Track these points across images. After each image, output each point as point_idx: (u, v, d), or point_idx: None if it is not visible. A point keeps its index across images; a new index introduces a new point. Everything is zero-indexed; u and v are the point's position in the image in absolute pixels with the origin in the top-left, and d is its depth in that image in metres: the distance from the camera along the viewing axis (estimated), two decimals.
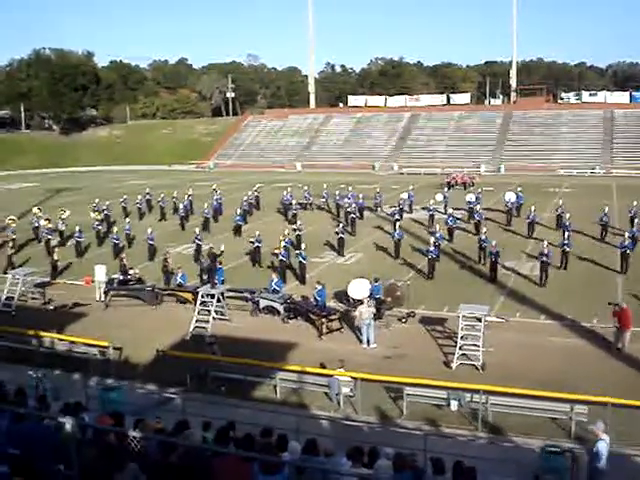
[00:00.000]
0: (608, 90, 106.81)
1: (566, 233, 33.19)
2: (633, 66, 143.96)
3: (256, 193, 50.66)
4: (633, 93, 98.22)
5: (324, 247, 36.74)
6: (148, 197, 50.25)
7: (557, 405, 16.84)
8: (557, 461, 13.97)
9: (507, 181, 65.98)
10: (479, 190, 49.31)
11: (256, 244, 33.45)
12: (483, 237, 33.02)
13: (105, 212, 44.16)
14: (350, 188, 50.08)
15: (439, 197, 47.78)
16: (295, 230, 35.49)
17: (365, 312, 22.84)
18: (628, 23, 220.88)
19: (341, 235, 35.89)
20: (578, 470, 13.73)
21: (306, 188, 50.69)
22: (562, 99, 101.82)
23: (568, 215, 37.87)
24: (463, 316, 21.41)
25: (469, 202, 45.16)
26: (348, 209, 43.58)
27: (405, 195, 48.56)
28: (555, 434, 16.37)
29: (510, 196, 45.10)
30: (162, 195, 48.61)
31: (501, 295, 28.19)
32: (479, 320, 21.30)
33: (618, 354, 21.32)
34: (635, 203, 40.11)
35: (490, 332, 21.79)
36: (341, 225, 37.22)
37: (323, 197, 49.91)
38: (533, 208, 39.89)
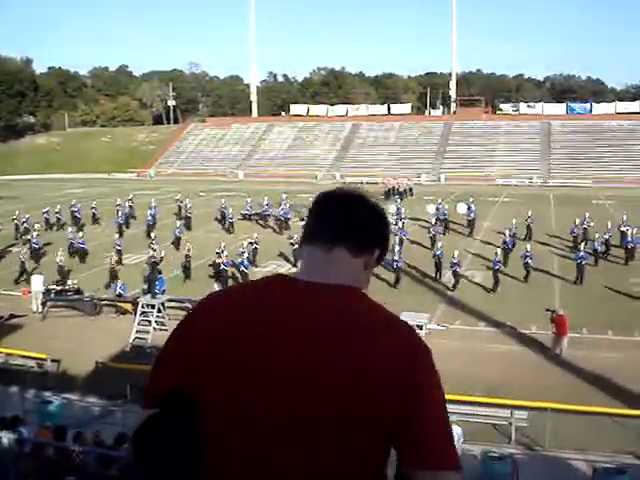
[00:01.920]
0: (545, 102, 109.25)
1: (528, 245, 33.36)
2: (570, 78, 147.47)
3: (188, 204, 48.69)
4: (570, 104, 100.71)
5: (267, 256, 36.52)
6: (73, 208, 48.33)
7: (497, 411, 17.10)
8: (498, 467, 14.20)
9: (448, 190, 66.95)
10: (398, 200, 49.82)
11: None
12: (439, 252, 32.27)
13: (25, 224, 43.00)
14: (284, 196, 49.38)
15: (392, 208, 47.10)
16: (252, 243, 34.52)
17: None
18: (565, 36, 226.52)
19: (296, 246, 35.34)
20: (519, 476, 13.97)
21: (250, 199, 49.75)
22: (500, 110, 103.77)
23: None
24: None
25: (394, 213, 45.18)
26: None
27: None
28: (496, 440, 16.61)
29: (461, 207, 45.30)
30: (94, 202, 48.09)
31: (441, 303, 28.54)
32: (420, 328, 21.51)
33: (556, 360, 21.78)
34: (587, 214, 40.26)
35: (431, 340, 22.02)
36: (296, 236, 36.40)
37: (264, 207, 49.01)
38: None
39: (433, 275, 32.15)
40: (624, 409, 17.03)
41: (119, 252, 35.60)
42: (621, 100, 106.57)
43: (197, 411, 1.90)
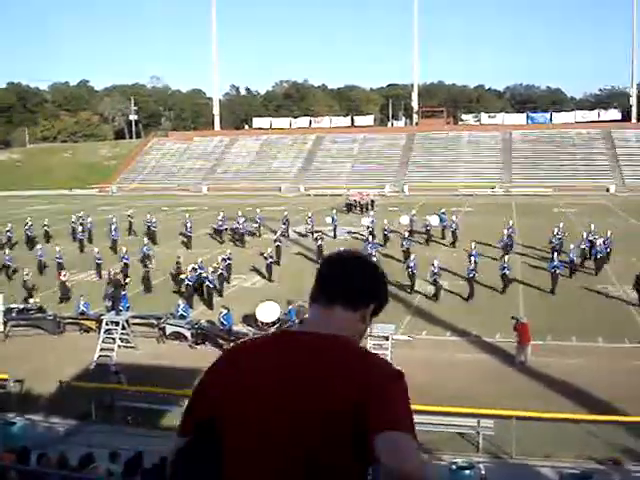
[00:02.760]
0: (506, 112, 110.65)
1: (506, 257, 33.35)
2: (529, 88, 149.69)
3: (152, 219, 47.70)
4: (530, 114, 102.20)
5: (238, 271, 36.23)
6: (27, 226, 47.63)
7: (464, 420, 17.21)
8: (465, 476, 14.28)
9: (411, 201, 67.32)
10: (371, 213, 49.16)
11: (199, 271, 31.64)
12: (412, 264, 32.06)
13: None
14: (258, 210, 49.37)
15: (365, 221, 46.67)
16: (225, 259, 33.77)
17: None
18: (525, 46, 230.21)
19: (270, 260, 35.05)
20: None
21: (222, 214, 48.06)
22: (462, 120, 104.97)
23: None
24: (370, 335, 21.66)
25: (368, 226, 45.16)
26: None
27: (329, 219, 47.71)
28: (463, 449, 16.70)
29: (433, 219, 45.22)
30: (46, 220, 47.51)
31: (407, 314, 28.65)
32: (386, 339, 21.60)
33: (521, 368, 21.98)
34: (561, 225, 40.05)
35: (397, 350, 22.10)
36: (269, 250, 35.94)
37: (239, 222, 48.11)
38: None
39: (404, 286, 32.11)
40: (588, 415, 17.24)
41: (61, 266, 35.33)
42: (580, 109, 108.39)
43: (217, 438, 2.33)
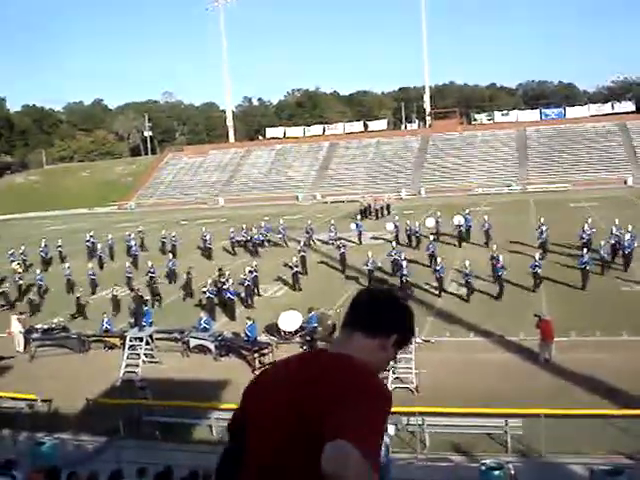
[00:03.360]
0: (519, 109, 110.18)
1: (537, 254, 32.84)
2: (542, 84, 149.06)
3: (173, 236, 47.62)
4: (543, 110, 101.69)
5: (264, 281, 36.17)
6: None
7: (492, 421, 17.16)
8: (495, 476, 14.23)
9: (428, 203, 67.24)
10: (396, 217, 48.41)
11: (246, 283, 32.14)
12: (439, 267, 31.77)
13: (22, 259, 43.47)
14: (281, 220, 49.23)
15: (389, 226, 46.36)
16: (252, 272, 33.21)
17: None
18: (536, 42, 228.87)
19: (295, 269, 35.00)
20: None
21: (245, 226, 47.94)
22: (475, 120, 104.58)
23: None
24: None
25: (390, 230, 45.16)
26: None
27: (353, 226, 47.61)
28: (492, 449, 16.64)
29: (459, 219, 44.66)
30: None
31: (429, 316, 28.58)
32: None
33: (546, 365, 21.87)
34: (590, 220, 39.41)
35: (422, 353, 22.06)
36: (294, 259, 35.86)
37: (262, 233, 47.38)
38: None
39: (428, 289, 32.11)
40: (615, 409, 17.14)
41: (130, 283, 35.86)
42: (594, 102, 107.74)
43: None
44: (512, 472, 14.22)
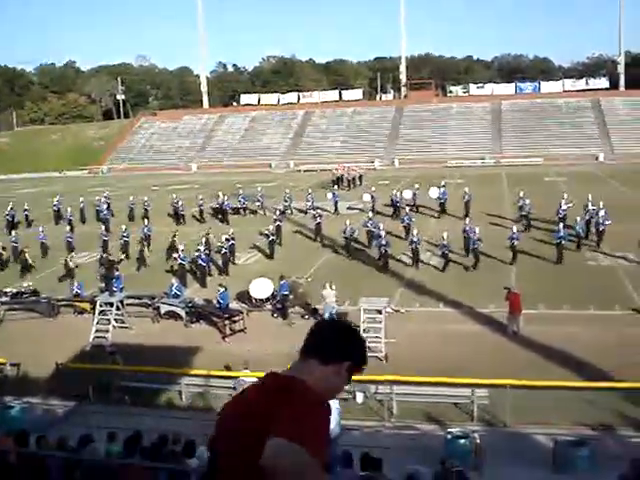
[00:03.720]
0: (495, 82, 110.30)
1: (514, 227, 32.96)
2: (517, 58, 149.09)
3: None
4: (518, 84, 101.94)
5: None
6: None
7: (459, 390, 17.37)
8: (461, 445, 14.45)
9: (402, 174, 67.39)
10: (373, 188, 48.00)
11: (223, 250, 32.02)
12: (416, 239, 31.65)
13: None
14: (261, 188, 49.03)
15: (366, 197, 46.61)
16: (228, 239, 33.02)
17: (328, 295, 23.59)
18: (512, 16, 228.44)
19: (272, 237, 34.87)
20: (482, 452, 14.23)
21: (241, 191, 48.58)
22: (451, 92, 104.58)
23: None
24: (364, 309, 21.78)
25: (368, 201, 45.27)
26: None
27: (330, 195, 48.01)
28: (459, 418, 16.88)
29: (434, 192, 45.10)
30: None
31: (400, 287, 28.77)
32: (379, 312, 21.71)
33: (514, 337, 22.15)
34: (566, 195, 39.36)
35: (392, 323, 22.23)
36: (271, 226, 35.73)
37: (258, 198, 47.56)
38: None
39: (402, 261, 32.18)
40: (582, 382, 17.42)
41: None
42: (569, 78, 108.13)
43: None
44: (477, 441, 14.44)
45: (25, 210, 46.64)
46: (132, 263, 33.82)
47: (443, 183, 46.11)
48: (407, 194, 45.83)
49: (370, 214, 38.20)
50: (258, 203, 46.98)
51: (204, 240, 32.63)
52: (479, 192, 46.39)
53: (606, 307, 24.36)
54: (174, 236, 34.49)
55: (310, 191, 47.36)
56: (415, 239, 31.66)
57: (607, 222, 33.87)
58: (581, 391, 16.66)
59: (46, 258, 36.21)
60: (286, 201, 46.50)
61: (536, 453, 14.85)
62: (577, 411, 16.07)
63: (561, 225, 32.65)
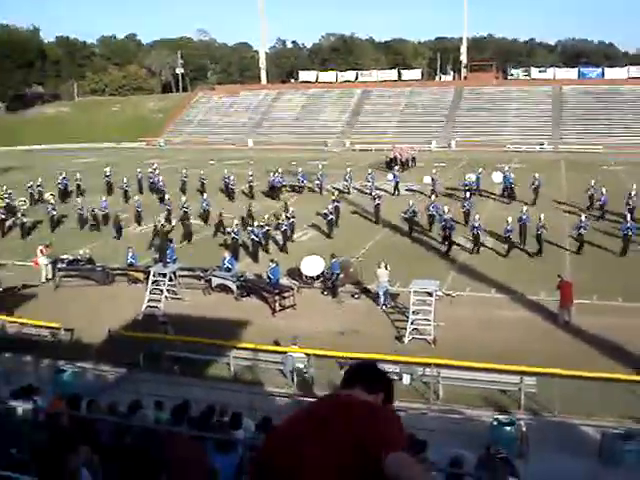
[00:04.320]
0: (557, 66, 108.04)
1: (583, 216, 32.11)
2: (582, 42, 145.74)
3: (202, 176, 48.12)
4: (581, 69, 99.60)
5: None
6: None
7: (507, 377, 17.23)
8: (507, 432, 14.36)
9: (458, 157, 66.72)
10: (434, 171, 46.91)
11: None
12: (477, 224, 31.23)
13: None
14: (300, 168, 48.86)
15: (427, 179, 46.09)
16: (289, 217, 33.32)
17: (382, 275, 23.81)
18: (576, 0, 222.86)
19: (330, 217, 34.84)
20: (527, 441, 14.12)
21: (300, 169, 48.29)
22: (511, 75, 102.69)
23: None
24: (414, 291, 21.71)
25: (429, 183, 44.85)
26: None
27: (390, 176, 47.66)
28: (505, 406, 16.76)
29: (496, 176, 44.58)
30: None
31: (452, 270, 28.59)
32: (430, 295, 21.62)
33: (565, 327, 21.85)
34: (634, 186, 37.82)
35: (441, 307, 22.13)
36: (330, 206, 35.51)
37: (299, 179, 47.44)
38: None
39: (468, 248, 31.72)
40: (632, 375, 17.12)
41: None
42: (633, 64, 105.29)
43: None
44: (523, 429, 14.34)
45: (77, 180, 47.55)
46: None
47: (507, 168, 45.37)
48: (471, 177, 45.01)
49: (433, 197, 37.80)
50: (317, 182, 46.70)
51: (245, 215, 33.06)
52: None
53: None
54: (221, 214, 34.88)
55: (370, 171, 47.13)
56: (476, 224, 31.23)
57: None
58: (631, 384, 16.39)
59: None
60: (346, 181, 46.38)
61: (582, 444, 14.67)
62: (625, 404, 15.83)
63: (629, 217, 31.84)
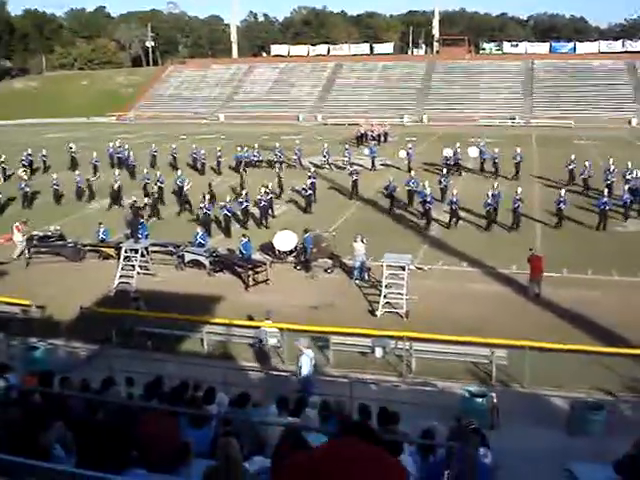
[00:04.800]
0: (529, 41, 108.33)
1: (562, 190, 32.00)
2: (553, 17, 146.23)
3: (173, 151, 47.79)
4: (553, 44, 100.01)
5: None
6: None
7: (478, 350, 17.39)
8: (478, 403, 14.52)
9: (430, 131, 66.79)
10: (409, 145, 46.89)
11: (244, 204, 31.87)
12: (454, 199, 31.19)
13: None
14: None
15: (402, 153, 45.50)
16: (267, 193, 32.57)
17: (359, 248, 23.85)
18: None
19: (309, 192, 34.68)
20: (498, 412, 14.30)
21: (278, 145, 47.70)
22: (483, 49, 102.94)
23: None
24: (387, 265, 21.79)
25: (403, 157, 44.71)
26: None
27: (367, 151, 47.34)
28: (476, 378, 16.94)
29: (472, 151, 44.64)
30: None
31: (424, 244, 28.73)
32: (402, 269, 21.71)
33: (535, 299, 22.08)
34: (611, 160, 37.62)
35: (414, 280, 22.24)
36: (308, 182, 35.19)
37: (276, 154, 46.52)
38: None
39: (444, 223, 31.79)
40: (601, 347, 17.37)
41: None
42: (605, 39, 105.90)
43: None
44: (494, 400, 14.51)
45: (43, 156, 47.03)
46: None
47: (482, 143, 45.45)
48: (447, 152, 44.66)
49: (413, 173, 37.45)
50: (295, 157, 46.50)
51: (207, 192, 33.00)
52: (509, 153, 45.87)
53: (629, 273, 24.17)
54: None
55: (347, 146, 47.01)
56: (454, 199, 31.23)
57: None
58: (600, 356, 16.62)
59: (60, 204, 37.15)
60: (324, 156, 46.24)
61: (552, 415, 14.88)
62: (595, 376, 16.05)
63: (606, 191, 31.97)
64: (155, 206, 34.11)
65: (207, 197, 31.56)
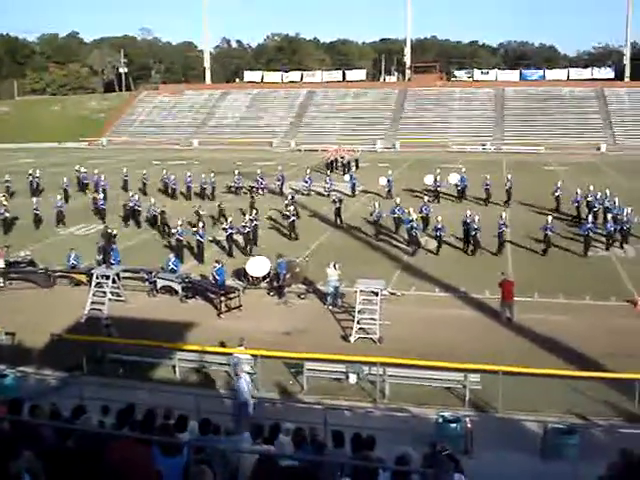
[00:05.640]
0: (499, 68, 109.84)
1: (549, 217, 32.30)
2: (523, 45, 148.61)
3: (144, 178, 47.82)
4: (523, 71, 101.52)
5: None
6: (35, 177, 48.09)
7: (451, 375, 17.43)
8: (452, 429, 14.53)
9: (403, 157, 67.24)
10: (390, 172, 47.14)
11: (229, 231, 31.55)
12: (440, 226, 31.10)
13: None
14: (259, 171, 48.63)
15: (382, 180, 45.70)
16: (252, 220, 32.45)
17: (332, 274, 23.90)
18: (519, 2, 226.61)
19: (293, 218, 34.65)
20: (472, 437, 14.30)
21: (237, 172, 47.85)
22: (455, 77, 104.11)
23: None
24: (360, 291, 21.80)
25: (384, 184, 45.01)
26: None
27: (347, 177, 48.53)
28: (450, 403, 16.95)
29: (454, 178, 44.79)
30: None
31: (397, 269, 28.81)
32: (376, 294, 21.73)
33: (507, 324, 22.20)
34: (592, 187, 38.23)
35: (387, 306, 22.27)
36: (292, 207, 35.15)
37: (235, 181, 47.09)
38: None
39: (399, 243, 32.22)
40: (573, 371, 17.48)
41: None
42: (574, 67, 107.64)
43: None
44: (468, 425, 14.52)
45: (6, 181, 46.74)
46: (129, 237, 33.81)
47: (464, 169, 45.92)
48: (428, 179, 45.05)
49: (398, 200, 36.92)
50: (278, 182, 46.55)
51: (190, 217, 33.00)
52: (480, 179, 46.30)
53: (601, 298, 24.41)
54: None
55: (329, 173, 47.45)
56: (439, 226, 31.15)
57: (635, 220, 32.79)
58: (572, 380, 16.73)
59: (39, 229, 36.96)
60: (306, 182, 46.42)
61: (526, 439, 14.91)
62: (567, 400, 16.15)
63: (590, 217, 32.30)
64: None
65: (179, 222, 31.40)
